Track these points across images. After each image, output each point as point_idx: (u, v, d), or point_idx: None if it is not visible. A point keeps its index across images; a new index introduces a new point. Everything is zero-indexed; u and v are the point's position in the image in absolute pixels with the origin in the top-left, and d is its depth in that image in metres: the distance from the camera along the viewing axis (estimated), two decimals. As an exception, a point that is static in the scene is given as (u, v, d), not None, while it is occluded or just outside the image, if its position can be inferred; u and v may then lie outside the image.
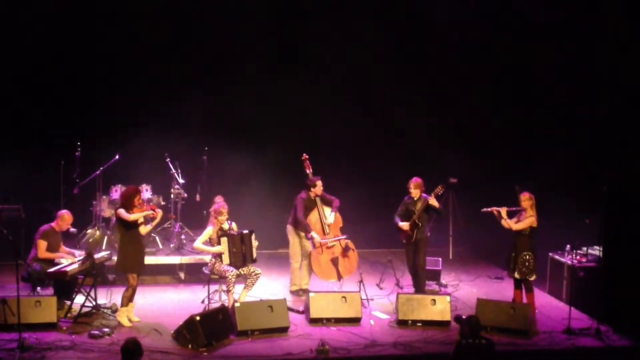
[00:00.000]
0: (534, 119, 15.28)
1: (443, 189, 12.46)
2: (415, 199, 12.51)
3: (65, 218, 11.93)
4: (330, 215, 12.88)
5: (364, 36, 15.77)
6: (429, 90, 15.89)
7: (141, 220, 11.26)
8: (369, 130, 16.22)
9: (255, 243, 12.04)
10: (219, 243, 11.80)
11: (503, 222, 11.85)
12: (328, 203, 12.99)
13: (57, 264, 11.55)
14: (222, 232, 11.82)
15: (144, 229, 11.40)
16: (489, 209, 11.95)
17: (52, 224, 11.87)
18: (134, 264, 11.27)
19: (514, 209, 11.88)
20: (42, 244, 11.61)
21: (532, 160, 15.09)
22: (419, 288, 12.63)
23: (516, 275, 11.78)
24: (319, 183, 12.82)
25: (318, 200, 12.89)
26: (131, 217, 11.09)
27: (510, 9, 15.28)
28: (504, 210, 11.84)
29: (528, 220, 11.72)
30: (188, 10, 15.31)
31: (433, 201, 12.36)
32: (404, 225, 12.49)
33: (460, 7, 15.61)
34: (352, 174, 15.71)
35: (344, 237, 12.88)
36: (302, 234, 12.89)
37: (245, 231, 11.96)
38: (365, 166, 16.19)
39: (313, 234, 12.69)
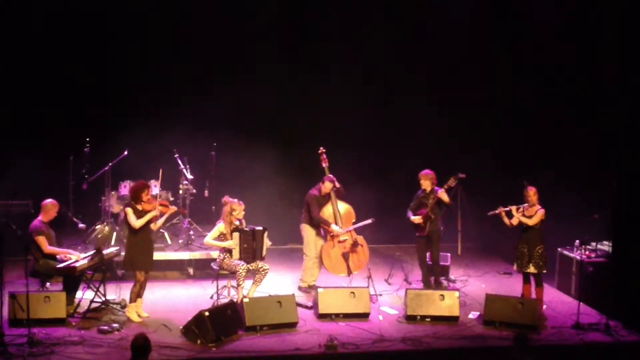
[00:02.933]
0: (544, 114, 15.23)
1: (455, 182, 12.46)
2: (427, 191, 12.54)
3: (48, 207, 11.74)
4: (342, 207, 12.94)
5: (377, 35, 15.77)
6: (440, 87, 15.86)
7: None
8: (381, 128, 16.19)
9: (267, 242, 12.04)
10: (231, 239, 11.81)
11: (513, 220, 11.83)
12: (342, 197, 13.02)
13: (62, 260, 11.54)
14: (234, 228, 11.84)
15: (154, 225, 11.42)
16: (496, 211, 11.93)
17: (39, 218, 11.72)
18: (142, 261, 11.27)
19: (522, 206, 11.85)
20: (42, 240, 11.51)
21: (542, 156, 15.06)
22: (434, 281, 12.73)
23: (532, 269, 11.75)
24: (329, 185, 12.81)
25: (332, 194, 12.89)
26: (137, 223, 11.12)
27: (520, 6, 15.28)
28: (514, 208, 11.83)
29: (540, 213, 11.71)
30: (202, 6, 15.31)
31: (442, 195, 12.42)
32: (416, 219, 12.54)
33: (471, 6, 15.59)
34: (363, 170, 15.68)
35: (369, 221, 12.83)
36: (316, 230, 12.91)
37: (259, 228, 11.97)
38: (376, 163, 16.16)
39: (333, 226, 12.71)
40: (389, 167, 16.07)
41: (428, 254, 12.88)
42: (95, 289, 11.67)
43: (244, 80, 15.64)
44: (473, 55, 15.88)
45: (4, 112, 14.73)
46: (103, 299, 11.74)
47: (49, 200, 11.87)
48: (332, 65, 15.73)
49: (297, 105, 15.84)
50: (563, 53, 14.69)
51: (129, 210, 11.15)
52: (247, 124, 15.55)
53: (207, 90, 15.44)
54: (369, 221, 12.80)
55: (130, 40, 15.07)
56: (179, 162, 14.39)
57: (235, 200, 11.94)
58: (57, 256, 11.62)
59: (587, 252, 12.75)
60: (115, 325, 10.87)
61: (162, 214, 11.46)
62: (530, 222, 11.74)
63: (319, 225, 12.87)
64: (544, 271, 11.82)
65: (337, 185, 12.95)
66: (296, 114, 15.85)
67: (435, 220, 12.56)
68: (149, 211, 11.26)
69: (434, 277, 12.85)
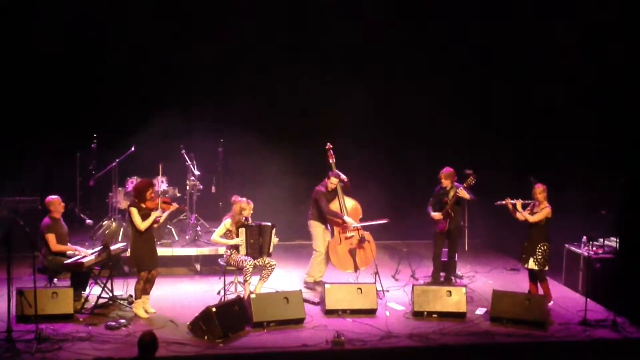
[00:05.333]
0: (550, 109, 15.22)
1: (475, 180, 12.46)
2: (447, 189, 12.56)
3: (54, 202, 11.72)
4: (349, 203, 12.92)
5: (384, 29, 15.77)
6: (449, 83, 15.85)
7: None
8: (389, 123, 16.18)
9: (275, 239, 12.04)
10: (237, 235, 11.83)
11: (518, 214, 11.83)
12: (348, 192, 13.01)
13: (70, 257, 11.56)
14: (240, 224, 11.84)
15: (155, 223, 11.44)
16: (503, 202, 11.93)
17: (50, 215, 11.80)
18: (145, 261, 11.27)
19: (529, 201, 11.85)
20: (52, 237, 11.55)
21: (549, 152, 15.04)
22: (447, 276, 12.82)
23: (531, 265, 11.74)
24: (335, 180, 12.79)
25: (339, 190, 12.87)
26: (142, 226, 11.14)
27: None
28: (519, 203, 11.82)
29: (544, 211, 11.68)
30: (208, 4, 15.31)
31: (462, 192, 12.47)
32: (437, 215, 12.56)
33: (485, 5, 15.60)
34: (372, 167, 15.67)
35: (380, 221, 12.80)
36: (324, 226, 12.89)
37: (267, 223, 11.97)
38: (385, 160, 16.14)
39: (346, 217, 12.69)
40: (397, 164, 16.06)
41: (443, 250, 12.90)
42: (102, 285, 11.70)
43: (252, 77, 15.66)
44: (483, 55, 15.86)
45: (12, 109, 14.76)
46: (110, 295, 11.77)
47: (52, 196, 11.85)
48: (343, 63, 15.72)
49: (306, 102, 15.83)
50: (572, 51, 14.68)
51: (134, 211, 11.16)
52: (254, 120, 15.54)
53: (214, 87, 15.45)
54: (384, 221, 12.76)
55: (138, 37, 15.08)
56: (186, 158, 14.40)
57: (244, 199, 11.95)
58: (67, 252, 11.66)
59: (594, 248, 12.72)
60: (122, 321, 10.88)
61: (163, 211, 11.48)
62: (532, 218, 11.72)
63: (329, 220, 12.85)
64: (545, 268, 11.79)
65: (344, 178, 12.92)
66: (304, 111, 15.85)
67: (455, 218, 12.60)
68: (152, 209, 11.27)
69: (446, 273, 12.85)
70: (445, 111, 15.71)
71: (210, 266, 13.65)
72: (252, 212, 11.98)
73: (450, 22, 15.61)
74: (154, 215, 11.25)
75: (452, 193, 12.58)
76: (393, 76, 16.01)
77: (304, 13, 15.78)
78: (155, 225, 11.52)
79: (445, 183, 12.62)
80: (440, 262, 12.90)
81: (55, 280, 11.92)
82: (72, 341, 10.23)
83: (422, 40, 15.84)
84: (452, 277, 13.01)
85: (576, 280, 12.91)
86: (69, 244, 11.90)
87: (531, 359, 10.67)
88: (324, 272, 13.01)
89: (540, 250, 11.69)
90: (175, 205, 11.73)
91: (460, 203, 12.71)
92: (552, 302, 11.95)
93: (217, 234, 11.91)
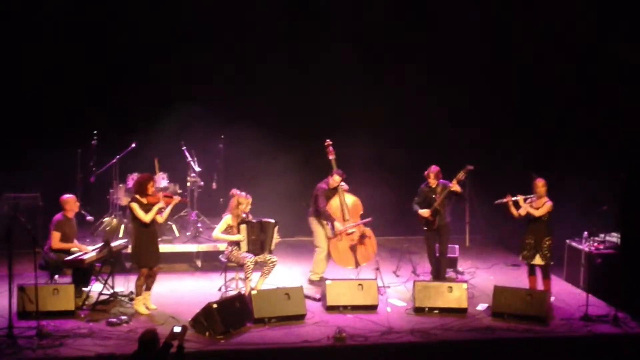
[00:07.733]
0: (553, 105, 15.21)
1: (465, 175, 12.42)
2: (433, 186, 12.52)
3: (70, 202, 11.77)
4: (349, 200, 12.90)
5: (384, 23, 15.76)
6: (450, 78, 15.82)
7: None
8: (389, 118, 16.14)
9: (277, 237, 12.03)
10: (238, 231, 11.82)
11: (521, 210, 11.80)
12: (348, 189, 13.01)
13: (73, 253, 11.56)
14: (241, 220, 11.83)
15: (159, 218, 11.42)
16: (504, 200, 11.90)
17: (62, 213, 11.79)
18: (145, 258, 11.24)
19: (530, 196, 11.82)
20: (56, 235, 11.57)
21: (551, 147, 15.03)
22: (440, 274, 12.70)
23: (538, 261, 11.72)
24: (338, 178, 12.77)
25: (339, 186, 12.85)
26: (147, 217, 11.09)
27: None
28: (521, 198, 11.79)
29: (548, 205, 11.67)
30: (208, 2, 15.33)
31: (455, 187, 12.37)
32: (425, 212, 12.51)
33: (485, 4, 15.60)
34: (371, 161, 15.65)
35: (369, 219, 12.78)
36: (325, 222, 12.89)
37: (269, 220, 11.96)
38: (384, 153, 16.11)
39: (336, 223, 12.68)
40: (396, 158, 16.02)
41: (436, 246, 12.87)
42: (103, 282, 11.70)
43: (254, 72, 15.64)
44: (483, 52, 15.85)
45: (13, 105, 14.75)
46: (111, 291, 11.77)
47: (67, 195, 11.86)
48: (345, 61, 15.69)
49: (307, 98, 15.79)
50: (575, 45, 14.67)
51: (135, 206, 11.14)
52: (256, 117, 15.50)
53: (215, 83, 15.42)
54: (368, 220, 12.76)
55: (138, 34, 15.06)
56: (187, 154, 14.39)
57: (243, 193, 11.93)
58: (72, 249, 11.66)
59: (595, 244, 12.72)
60: (123, 317, 10.89)
61: (166, 205, 11.45)
62: (537, 213, 11.71)
63: (325, 218, 12.84)
64: (551, 263, 11.79)
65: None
66: (306, 107, 15.82)
67: (443, 214, 12.56)
68: (153, 204, 11.24)
69: (440, 269, 12.79)
70: (448, 109, 15.67)
71: (211, 262, 13.65)
72: (250, 207, 11.95)
73: (454, 23, 15.56)
74: (157, 206, 11.21)
75: (439, 189, 12.52)
76: (396, 75, 15.96)
77: (306, 11, 15.75)
78: (161, 220, 11.51)
79: (433, 181, 12.58)
80: (435, 258, 12.86)
81: (57, 276, 11.92)
82: (74, 337, 10.24)
83: (425, 39, 15.79)
84: (451, 273, 12.97)
85: (577, 275, 12.91)
86: (75, 241, 11.89)
87: (532, 354, 10.66)
88: (326, 268, 13.00)
89: (545, 245, 11.68)
90: (177, 198, 11.70)
91: (451, 198, 12.61)
92: (553, 297, 11.95)
93: (218, 230, 11.90)
